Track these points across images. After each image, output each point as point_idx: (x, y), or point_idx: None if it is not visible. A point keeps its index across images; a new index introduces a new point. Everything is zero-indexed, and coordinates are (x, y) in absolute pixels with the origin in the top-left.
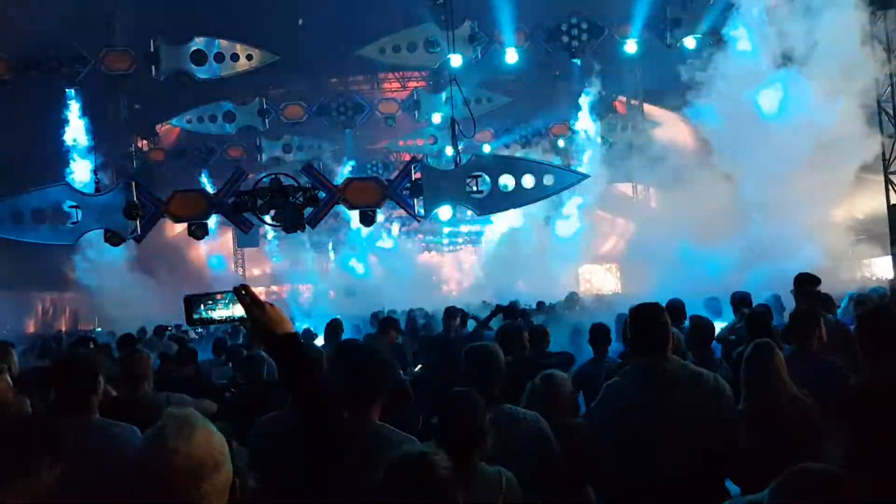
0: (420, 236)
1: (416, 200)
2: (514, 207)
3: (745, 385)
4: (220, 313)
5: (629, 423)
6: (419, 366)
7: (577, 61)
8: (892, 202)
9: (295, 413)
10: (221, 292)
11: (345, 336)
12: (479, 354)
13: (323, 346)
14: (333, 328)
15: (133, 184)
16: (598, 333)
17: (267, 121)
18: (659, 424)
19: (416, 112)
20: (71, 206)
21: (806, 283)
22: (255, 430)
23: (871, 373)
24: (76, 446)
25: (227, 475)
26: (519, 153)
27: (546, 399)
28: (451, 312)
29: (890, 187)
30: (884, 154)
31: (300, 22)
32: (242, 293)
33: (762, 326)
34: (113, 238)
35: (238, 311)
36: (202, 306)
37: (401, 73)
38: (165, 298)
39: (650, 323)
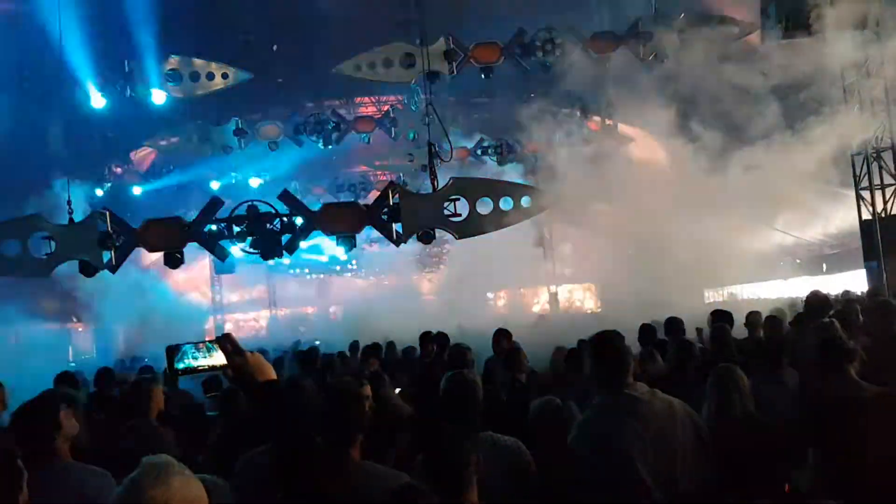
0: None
1: (394, 225)
2: (494, 230)
3: (708, 404)
4: (202, 362)
5: (605, 456)
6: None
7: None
8: (864, 218)
9: (275, 456)
10: (203, 341)
11: None
12: (457, 382)
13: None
14: (309, 357)
15: (107, 213)
16: None
17: (243, 141)
18: (635, 455)
19: (393, 130)
20: (44, 238)
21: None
22: (238, 469)
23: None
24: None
25: None
26: (496, 171)
27: None
28: (427, 338)
29: (861, 203)
30: (854, 169)
31: (274, 47)
32: (224, 342)
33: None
34: (87, 269)
35: (220, 359)
36: (184, 356)
37: (376, 97)
38: None
39: (613, 352)
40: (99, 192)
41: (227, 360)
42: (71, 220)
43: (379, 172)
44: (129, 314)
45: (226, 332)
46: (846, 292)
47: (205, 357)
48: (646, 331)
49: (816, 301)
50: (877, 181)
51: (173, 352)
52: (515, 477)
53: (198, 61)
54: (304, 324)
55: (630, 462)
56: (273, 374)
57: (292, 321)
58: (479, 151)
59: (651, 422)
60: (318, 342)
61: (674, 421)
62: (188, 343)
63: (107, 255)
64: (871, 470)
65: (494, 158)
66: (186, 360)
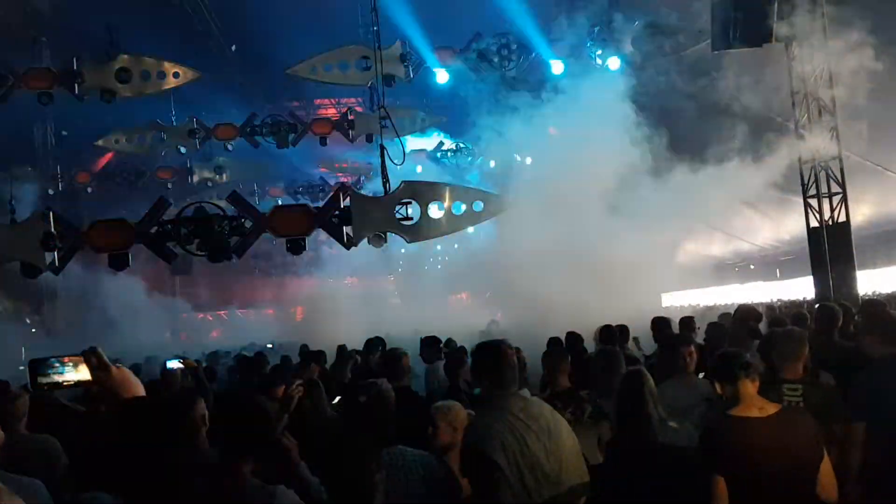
0: None
1: (344, 228)
2: (446, 234)
3: (616, 413)
4: (67, 377)
5: (515, 457)
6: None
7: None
8: (812, 225)
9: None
10: (68, 355)
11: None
12: (368, 393)
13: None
14: (253, 365)
15: (50, 213)
16: None
17: (198, 141)
18: (530, 443)
19: (350, 132)
20: None
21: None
22: None
23: None
24: None
25: None
26: (452, 175)
27: None
28: (371, 344)
29: (809, 211)
30: (802, 178)
31: (233, 48)
32: (90, 356)
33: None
34: (29, 270)
35: (85, 373)
36: (49, 370)
37: (335, 99)
38: None
39: (502, 360)
40: (50, 192)
41: (91, 375)
42: (12, 219)
43: (339, 174)
44: (84, 316)
45: (92, 345)
46: (780, 300)
47: (71, 371)
48: (555, 342)
49: (743, 312)
50: (824, 190)
51: (37, 365)
52: (427, 490)
53: (148, 60)
54: (263, 326)
55: (526, 443)
56: (140, 391)
57: (250, 323)
58: (437, 154)
59: (538, 418)
60: (270, 345)
61: (557, 420)
62: (54, 356)
63: (50, 257)
64: (761, 490)
65: (452, 161)
66: (51, 374)
